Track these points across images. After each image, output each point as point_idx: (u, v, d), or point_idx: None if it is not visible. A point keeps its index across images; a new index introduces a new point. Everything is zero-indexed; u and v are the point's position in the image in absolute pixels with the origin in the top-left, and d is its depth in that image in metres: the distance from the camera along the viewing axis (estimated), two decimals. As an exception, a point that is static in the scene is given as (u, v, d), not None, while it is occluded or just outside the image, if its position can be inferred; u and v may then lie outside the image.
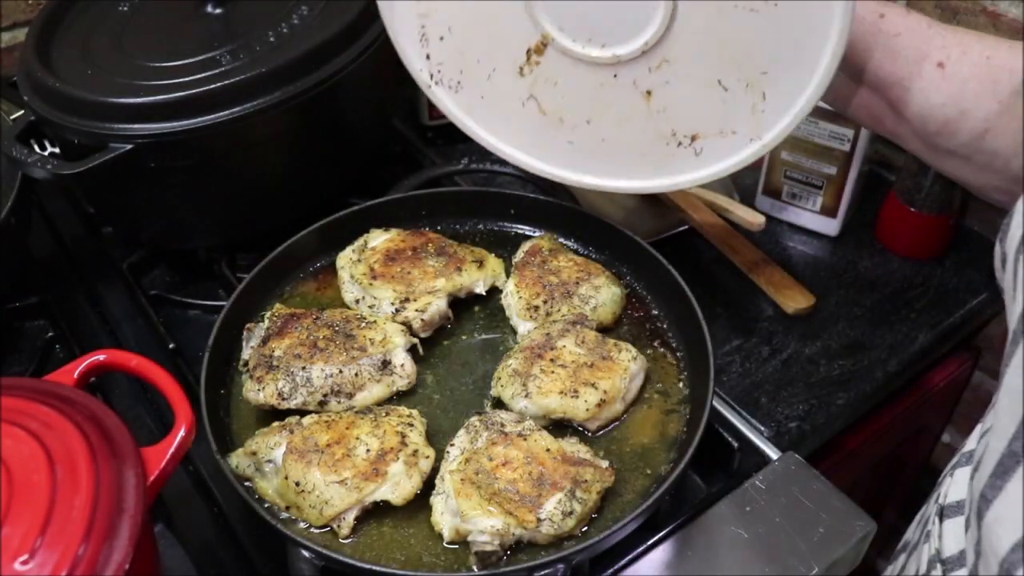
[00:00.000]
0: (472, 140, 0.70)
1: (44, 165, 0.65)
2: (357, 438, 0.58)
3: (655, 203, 0.84)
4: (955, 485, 0.56)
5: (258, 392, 0.61)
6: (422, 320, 0.66)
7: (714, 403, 0.59)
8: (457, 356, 0.67)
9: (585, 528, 0.56)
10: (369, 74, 0.74)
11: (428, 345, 0.67)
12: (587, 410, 0.60)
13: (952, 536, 0.54)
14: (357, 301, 0.69)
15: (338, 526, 0.56)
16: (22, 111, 0.70)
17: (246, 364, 0.64)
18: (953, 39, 0.57)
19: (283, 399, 0.61)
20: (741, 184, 0.87)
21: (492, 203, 0.76)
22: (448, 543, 0.56)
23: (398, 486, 0.56)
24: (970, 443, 0.58)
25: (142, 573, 0.47)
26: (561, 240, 0.74)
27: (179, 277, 0.79)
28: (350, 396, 0.62)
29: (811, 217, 0.84)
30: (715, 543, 0.59)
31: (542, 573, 0.51)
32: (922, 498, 0.63)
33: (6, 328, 0.73)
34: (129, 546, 0.43)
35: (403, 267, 0.69)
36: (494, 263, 0.71)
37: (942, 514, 0.56)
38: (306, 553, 0.52)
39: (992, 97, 0.55)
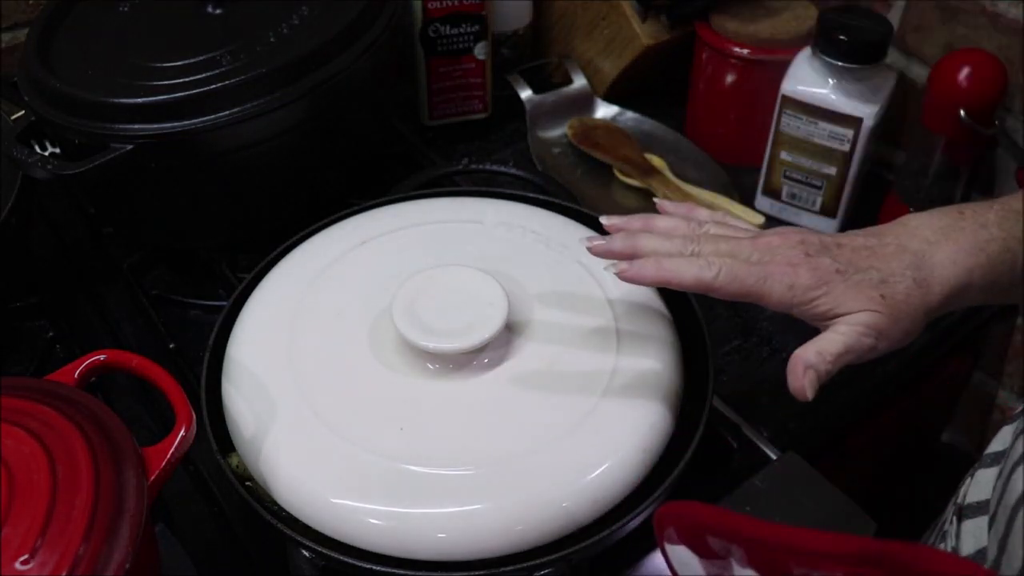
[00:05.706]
0: (472, 140, 0.70)
1: (45, 165, 0.65)
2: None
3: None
4: (976, 486, 0.56)
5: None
6: None
7: (714, 403, 0.59)
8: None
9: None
10: (369, 74, 0.74)
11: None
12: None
13: (971, 535, 0.54)
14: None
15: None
16: (22, 111, 0.70)
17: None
18: None
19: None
20: (741, 184, 0.87)
21: (492, 203, 0.76)
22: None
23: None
24: (995, 445, 0.58)
25: (142, 573, 0.47)
26: (561, 240, 0.73)
27: (179, 277, 0.79)
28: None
29: (811, 217, 0.84)
30: (715, 543, 0.59)
31: (542, 573, 0.51)
32: (922, 498, 0.63)
33: (6, 328, 0.73)
34: (129, 546, 0.43)
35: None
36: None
37: (960, 514, 0.56)
38: (306, 553, 0.52)
39: None
